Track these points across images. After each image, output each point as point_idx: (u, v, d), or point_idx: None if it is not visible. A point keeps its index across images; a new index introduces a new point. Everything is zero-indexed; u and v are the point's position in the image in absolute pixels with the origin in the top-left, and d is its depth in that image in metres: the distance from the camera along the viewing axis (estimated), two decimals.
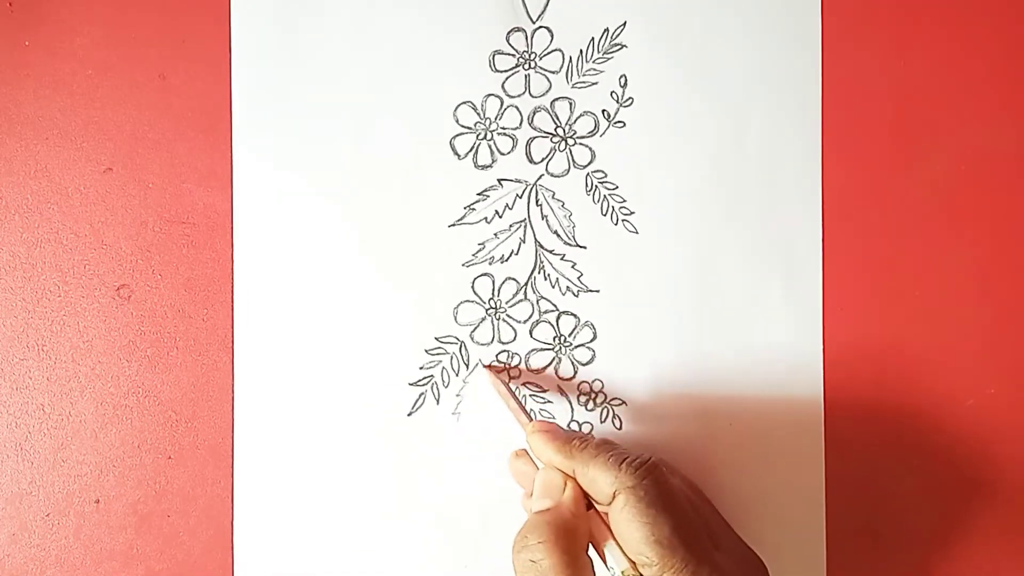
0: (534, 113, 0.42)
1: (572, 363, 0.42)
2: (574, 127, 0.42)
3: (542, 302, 0.42)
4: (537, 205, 0.42)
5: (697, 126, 0.42)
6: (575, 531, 0.32)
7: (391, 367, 0.41)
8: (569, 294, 0.42)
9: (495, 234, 0.41)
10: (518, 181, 0.42)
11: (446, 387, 0.41)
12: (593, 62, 0.42)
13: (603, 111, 0.42)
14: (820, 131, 0.42)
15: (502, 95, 0.41)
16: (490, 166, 0.41)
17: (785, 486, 0.41)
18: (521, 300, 0.42)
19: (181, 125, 0.41)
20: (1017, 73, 0.42)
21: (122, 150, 0.41)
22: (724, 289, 0.41)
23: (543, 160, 0.42)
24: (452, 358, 0.41)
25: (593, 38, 0.41)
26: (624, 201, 0.42)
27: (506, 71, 0.41)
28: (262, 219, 0.41)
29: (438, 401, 0.41)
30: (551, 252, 0.42)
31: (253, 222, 0.41)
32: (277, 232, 0.41)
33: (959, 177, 0.42)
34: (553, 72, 0.41)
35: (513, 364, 0.42)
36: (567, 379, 0.42)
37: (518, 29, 0.41)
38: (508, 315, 0.42)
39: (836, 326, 0.41)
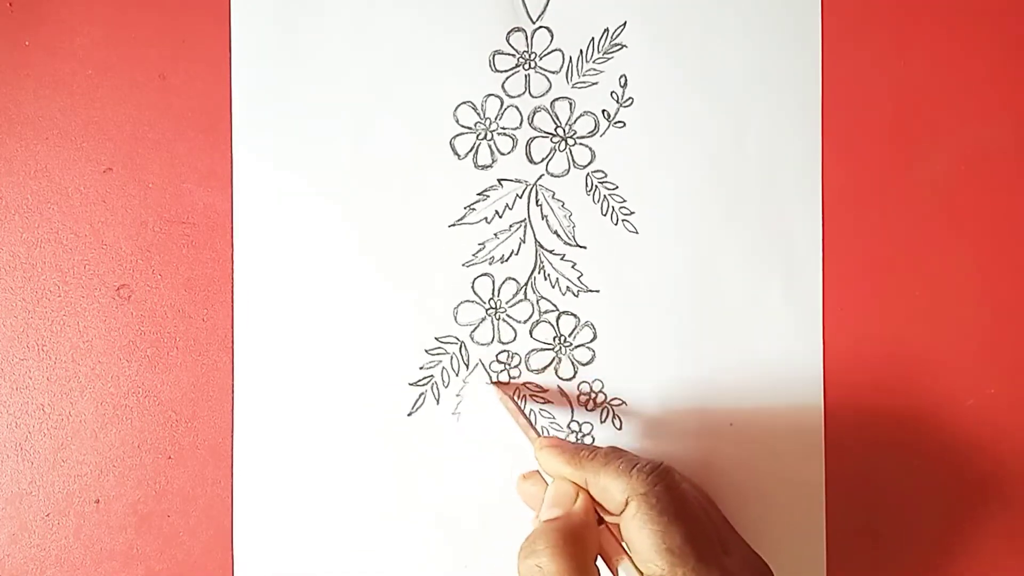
0: (534, 113, 0.42)
1: (572, 363, 0.42)
2: (574, 127, 0.42)
3: (542, 302, 0.42)
4: (537, 205, 0.42)
5: (697, 126, 0.42)
6: (583, 540, 0.32)
7: (391, 367, 0.41)
8: (569, 294, 0.42)
9: (495, 234, 0.41)
10: (518, 181, 0.42)
11: (446, 387, 0.41)
12: (593, 62, 0.42)
13: (603, 111, 0.42)
14: (820, 131, 0.42)
15: (502, 95, 0.41)
16: (490, 166, 0.41)
17: (785, 485, 0.41)
18: (521, 300, 0.42)
19: (181, 125, 0.41)
20: (1017, 73, 0.42)
21: (122, 150, 0.41)
22: (724, 289, 0.41)
23: (543, 160, 0.42)
24: (452, 358, 0.41)
25: (593, 38, 0.41)
26: (624, 201, 0.42)
27: (506, 71, 0.41)
28: (262, 219, 0.41)
29: (438, 401, 0.41)
30: (551, 252, 0.42)
31: (253, 222, 0.41)
32: (277, 232, 0.41)
33: (959, 177, 0.42)
34: (553, 72, 0.41)
35: (513, 364, 0.42)
36: (567, 379, 0.42)
37: (518, 29, 0.41)
38: (508, 315, 0.42)
39: (836, 326, 0.41)
